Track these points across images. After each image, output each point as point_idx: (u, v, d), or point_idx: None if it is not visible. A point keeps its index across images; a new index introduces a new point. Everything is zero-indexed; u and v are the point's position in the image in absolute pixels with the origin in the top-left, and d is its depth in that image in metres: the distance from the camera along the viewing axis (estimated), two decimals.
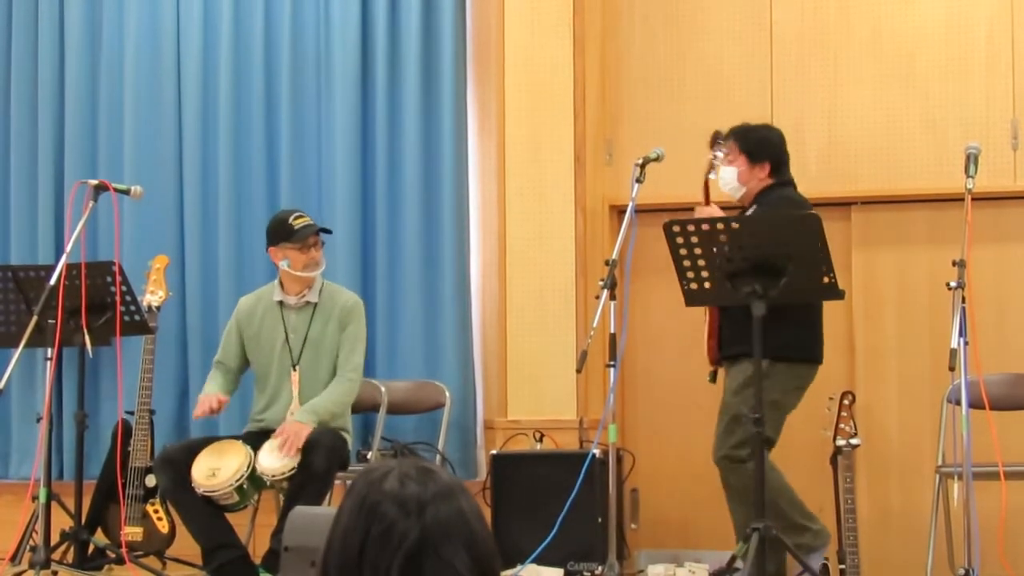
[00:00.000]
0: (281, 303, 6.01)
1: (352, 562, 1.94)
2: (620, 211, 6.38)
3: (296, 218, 5.93)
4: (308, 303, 5.99)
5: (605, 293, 5.27)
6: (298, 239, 5.88)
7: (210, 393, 5.91)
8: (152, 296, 6.44)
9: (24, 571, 5.66)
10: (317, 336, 5.95)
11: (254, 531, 6.29)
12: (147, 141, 6.95)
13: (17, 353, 5.49)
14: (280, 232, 5.92)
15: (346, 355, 5.95)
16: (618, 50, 6.82)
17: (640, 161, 5.55)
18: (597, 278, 5.57)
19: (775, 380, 5.46)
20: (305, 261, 5.90)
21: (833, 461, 5.21)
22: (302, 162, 6.86)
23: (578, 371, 5.61)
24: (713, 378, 5.72)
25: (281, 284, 6.02)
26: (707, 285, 5.14)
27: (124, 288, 5.89)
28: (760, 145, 5.65)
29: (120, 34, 7.03)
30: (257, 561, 5.83)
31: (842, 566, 5.15)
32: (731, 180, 5.65)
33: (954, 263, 4.94)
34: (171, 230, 6.92)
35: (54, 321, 5.55)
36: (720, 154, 5.65)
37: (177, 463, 5.72)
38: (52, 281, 5.57)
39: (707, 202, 5.69)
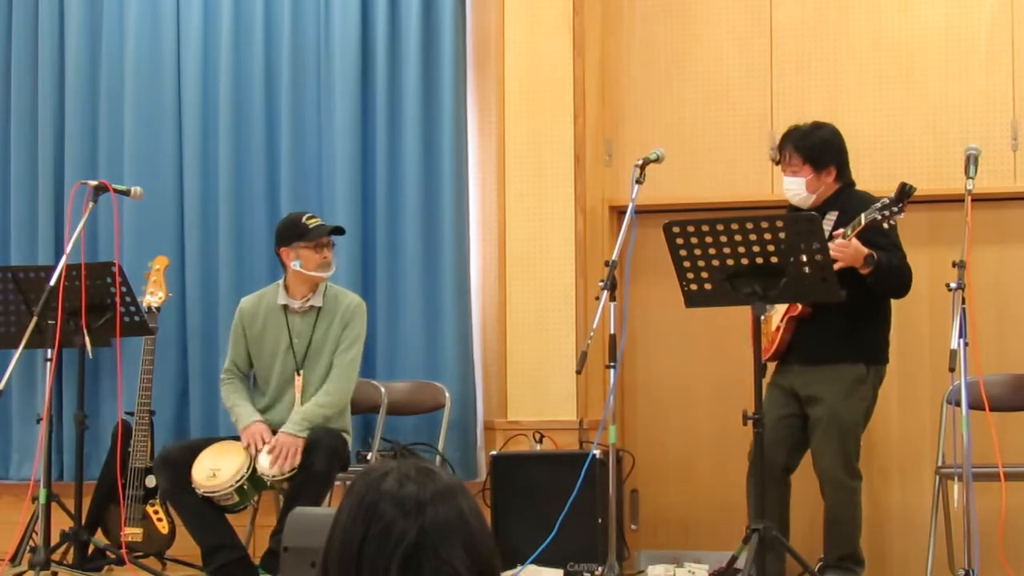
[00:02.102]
0: (285, 307, 5.99)
1: (351, 562, 1.94)
2: (620, 212, 6.38)
3: (309, 218, 5.94)
4: (312, 307, 5.97)
5: (605, 294, 5.26)
6: (312, 237, 5.87)
7: (254, 424, 5.81)
8: (152, 297, 6.44)
9: (24, 572, 5.66)
10: (321, 341, 5.94)
11: (254, 531, 6.29)
12: (147, 141, 6.94)
13: (17, 354, 5.49)
14: (294, 231, 5.91)
15: (339, 355, 5.93)
16: (618, 50, 6.82)
17: (640, 162, 5.53)
18: (597, 279, 5.57)
19: (873, 385, 5.48)
20: (318, 261, 5.89)
21: None
22: (302, 162, 6.85)
23: (578, 372, 5.61)
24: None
25: (286, 287, 6.00)
26: (707, 286, 5.13)
27: (124, 289, 5.88)
28: (823, 151, 5.52)
29: (120, 34, 7.03)
30: (257, 562, 5.82)
31: None
32: (799, 190, 5.51)
33: (954, 264, 4.94)
34: (171, 230, 6.91)
35: (54, 322, 5.54)
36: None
37: (177, 464, 5.72)
38: (52, 282, 5.57)
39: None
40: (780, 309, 5.48)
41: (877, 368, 5.50)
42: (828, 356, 5.41)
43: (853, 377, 5.42)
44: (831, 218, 5.42)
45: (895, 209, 5.13)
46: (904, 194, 5.12)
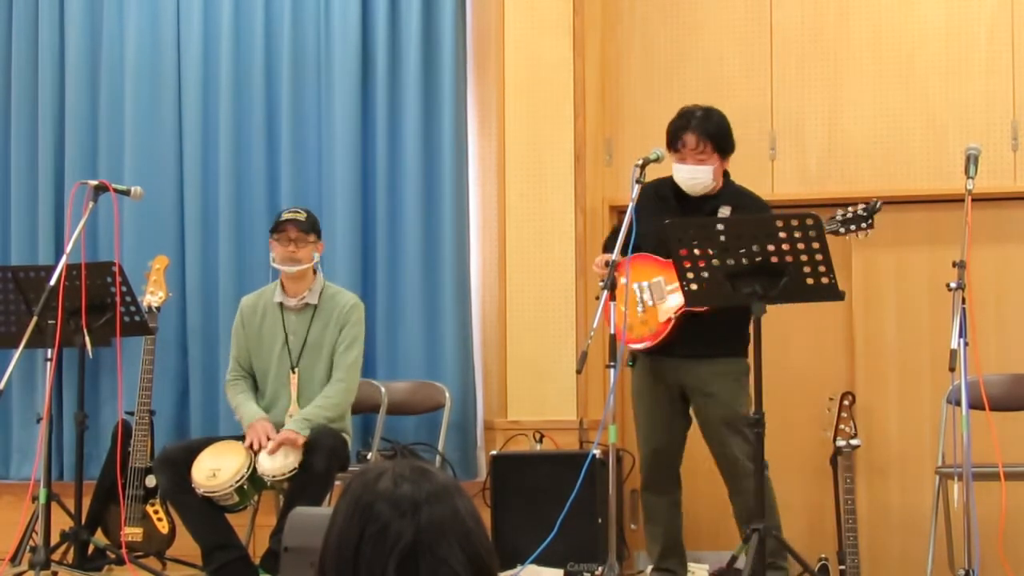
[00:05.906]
0: (281, 304, 6.00)
1: (348, 563, 1.93)
2: (620, 211, 6.37)
3: (289, 211, 5.98)
4: (308, 305, 5.98)
5: (605, 294, 5.26)
6: (277, 230, 5.91)
7: (258, 421, 5.79)
8: (152, 296, 6.44)
9: (24, 572, 5.66)
10: (316, 339, 5.94)
11: (254, 531, 6.29)
12: (147, 141, 6.95)
13: (17, 353, 5.49)
14: (273, 224, 5.97)
15: (340, 356, 5.94)
16: (618, 50, 6.82)
17: (640, 162, 5.52)
18: (597, 279, 5.56)
19: (748, 377, 5.40)
20: (283, 253, 5.90)
21: (833, 462, 5.22)
22: (302, 162, 6.86)
23: (578, 372, 5.59)
24: (634, 363, 5.57)
25: (282, 285, 6.02)
26: (707, 286, 5.13)
27: (124, 288, 5.88)
28: (727, 136, 5.46)
29: (120, 34, 7.03)
30: (257, 562, 5.82)
31: (842, 567, 5.16)
32: (704, 179, 5.44)
33: (954, 264, 4.94)
34: (171, 230, 6.92)
35: (54, 322, 5.54)
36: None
37: (177, 463, 5.72)
38: (52, 282, 5.57)
39: None
40: (671, 300, 5.42)
41: (746, 360, 5.44)
42: (716, 351, 5.34)
43: (740, 370, 5.39)
44: (724, 212, 5.37)
45: (864, 225, 5.16)
46: (873, 211, 5.15)
